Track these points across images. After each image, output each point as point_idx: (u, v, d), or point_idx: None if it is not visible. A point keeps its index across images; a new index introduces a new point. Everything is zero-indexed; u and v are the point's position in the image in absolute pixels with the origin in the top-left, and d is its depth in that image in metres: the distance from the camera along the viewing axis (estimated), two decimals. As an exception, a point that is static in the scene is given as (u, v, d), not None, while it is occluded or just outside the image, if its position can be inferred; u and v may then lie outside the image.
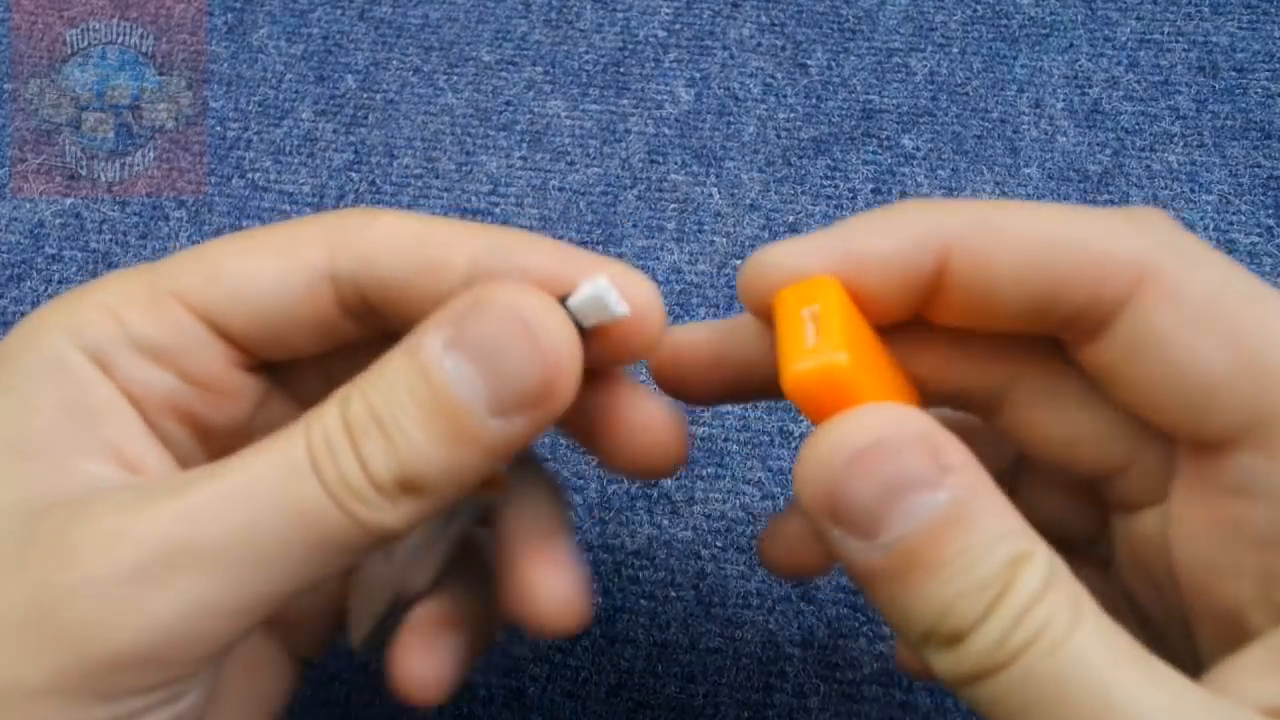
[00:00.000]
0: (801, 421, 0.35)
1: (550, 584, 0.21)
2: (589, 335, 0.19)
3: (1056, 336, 0.19)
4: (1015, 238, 0.18)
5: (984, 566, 0.16)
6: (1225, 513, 0.18)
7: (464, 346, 0.17)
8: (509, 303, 0.18)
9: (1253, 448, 0.17)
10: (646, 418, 0.21)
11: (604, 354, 0.20)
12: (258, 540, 0.17)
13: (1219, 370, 0.17)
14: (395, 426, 0.17)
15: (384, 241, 0.20)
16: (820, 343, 0.17)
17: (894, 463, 0.16)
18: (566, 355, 0.18)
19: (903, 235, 0.18)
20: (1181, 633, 0.19)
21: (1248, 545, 0.18)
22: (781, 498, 0.33)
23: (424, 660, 0.23)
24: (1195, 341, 0.17)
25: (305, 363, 0.22)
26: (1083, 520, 0.22)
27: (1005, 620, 0.15)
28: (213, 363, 0.21)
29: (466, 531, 0.23)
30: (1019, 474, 0.23)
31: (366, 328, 0.21)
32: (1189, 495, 0.19)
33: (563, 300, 0.18)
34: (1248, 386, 0.17)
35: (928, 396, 0.21)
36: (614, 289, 0.18)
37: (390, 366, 0.18)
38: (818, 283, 0.18)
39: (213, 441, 0.21)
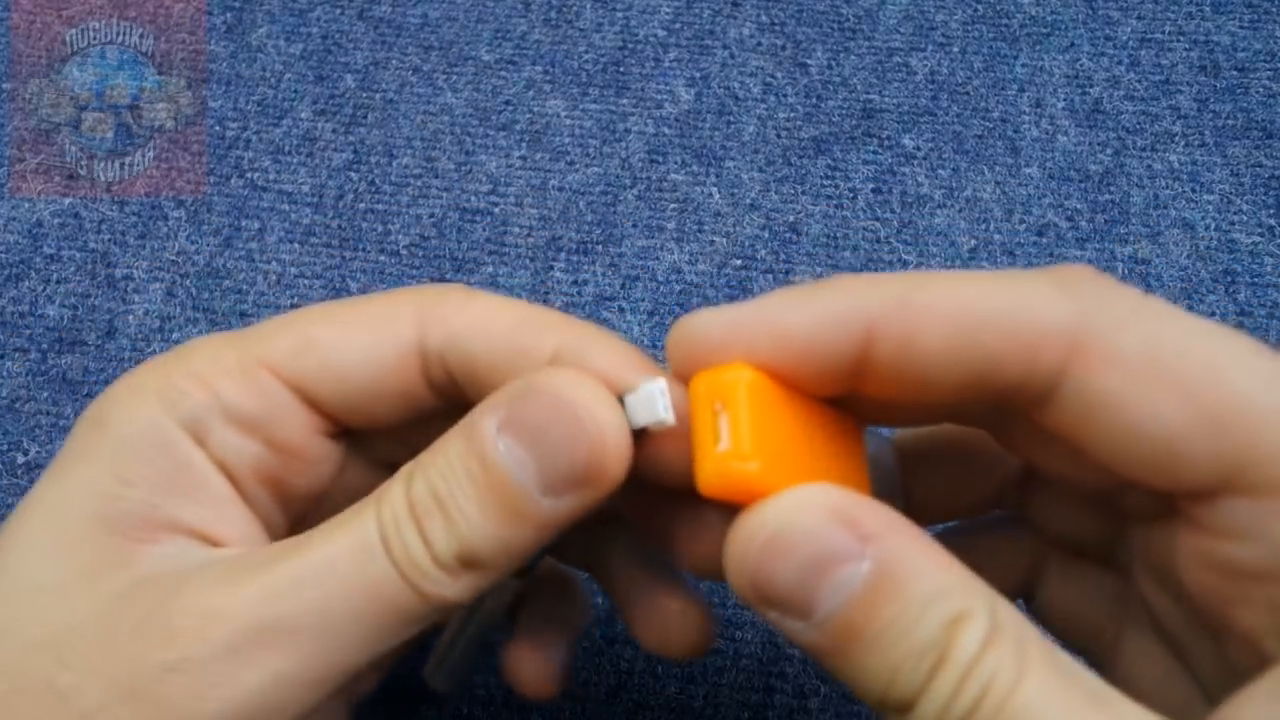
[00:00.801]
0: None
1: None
2: (640, 437, 0.19)
3: (1003, 406, 0.18)
4: (937, 315, 0.17)
5: (919, 632, 0.16)
6: (1222, 551, 0.17)
7: (515, 429, 0.18)
8: (557, 387, 0.18)
9: (1233, 494, 0.17)
10: (674, 612, 0.23)
11: (648, 464, 0.20)
12: (334, 616, 0.18)
13: (1176, 427, 0.17)
14: (454, 506, 0.18)
15: (478, 324, 0.21)
16: (731, 448, 0.17)
17: (809, 543, 0.16)
18: (612, 438, 0.18)
19: (822, 314, 0.18)
20: (1207, 645, 0.19)
21: (1249, 580, 0.17)
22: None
23: (535, 666, 0.24)
24: (1143, 402, 0.17)
25: (384, 428, 0.23)
26: (1098, 526, 0.21)
27: (947, 687, 0.15)
28: (299, 430, 0.21)
29: (537, 563, 0.24)
30: (1030, 480, 0.22)
31: (447, 399, 0.22)
32: (1187, 529, 0.18)
33: (620, 398, 0.19)
34: (1209, 439, 0.16)
35: (931, 413, 0.21)
36: (668, 396, 0.19)
37: (449, 446, 0.19)
38: (731, 371, 0.18)
39: (293, 504, 0.22)
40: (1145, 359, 0.17)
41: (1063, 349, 0.17)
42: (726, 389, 0.18)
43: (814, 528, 0.16)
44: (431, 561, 0.18)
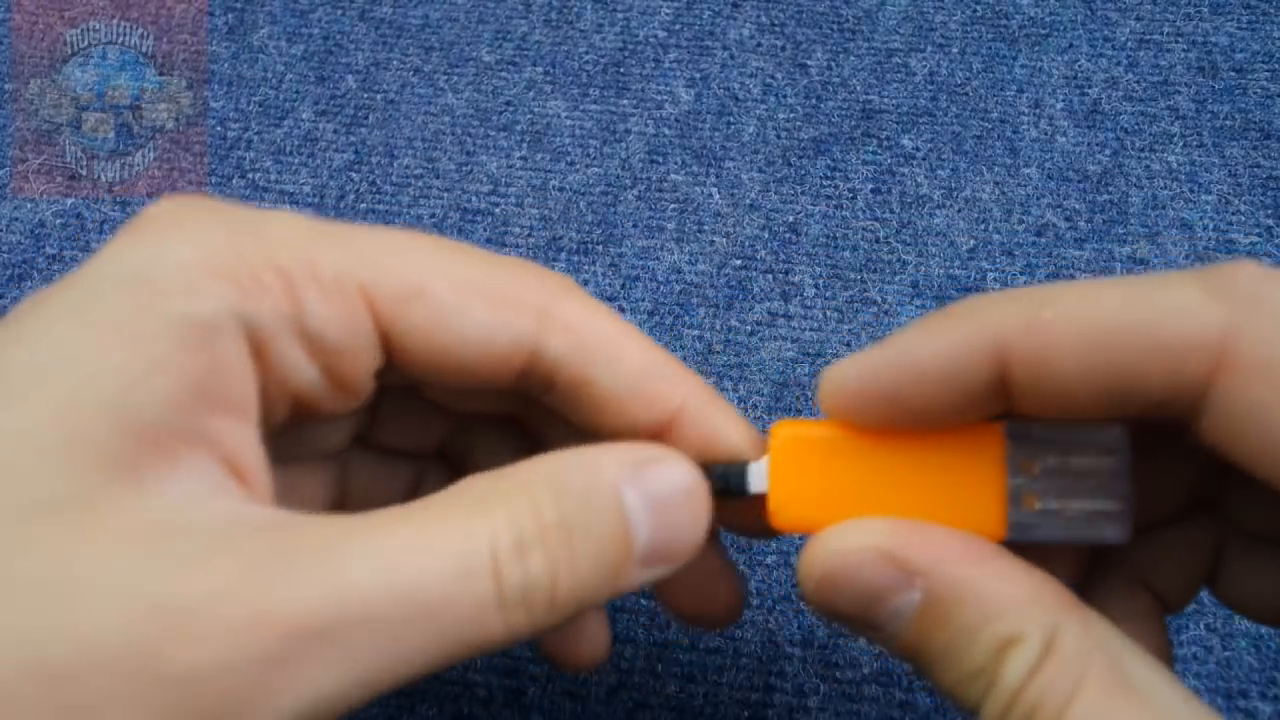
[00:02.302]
0: (801, 421, 0.35)
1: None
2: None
3: (1160, 417, 0.18)
4: (1072, 332, 0.17)
5: (971, 658, 0.17)
6: None
7: (644, 492, 0.18)
8: (688, 475, 0.19)
9: None
10: (707, 579, 0.23)
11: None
12: (406, 638, 0.15)
13: None
14: (580, 542, 0.17)
15: (607, 350, 0.20)
16: (768, 499, 0.20)
17: (857, 580, 0.18)
18: (703, 537, 0.19)
19: (952, 344, 0.18)
20: None
21: None
22: (781, 498, 0.33)
23: (578, 640, 0.23)
24: None
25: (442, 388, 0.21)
26: None
27: (997, 708, 0.16)
28: (364, 369, 0.19)
29: None
30: (1226, 473, 0.20)
31: (522, 390, 0.21)
32: None
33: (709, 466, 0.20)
34: None
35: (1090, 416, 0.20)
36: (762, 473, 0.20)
37: (577, 477, 0.18)
38: (778, 429, 0.20)
39: (301, 429, 0.20)
40: None
41: (1209, 357, 0.16)
42: (791, 436, 0.20)
43: (860, 566, 0.18)
44: (543, 597, 0.17)
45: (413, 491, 0.25)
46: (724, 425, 0.21)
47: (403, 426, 0.24)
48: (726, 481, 0.20)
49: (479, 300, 0.19)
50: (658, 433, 0.21)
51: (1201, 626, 0.30)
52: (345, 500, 0.24)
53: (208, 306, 0.17)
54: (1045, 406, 0.18)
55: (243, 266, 0.17)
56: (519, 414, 0.23)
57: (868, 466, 0.19)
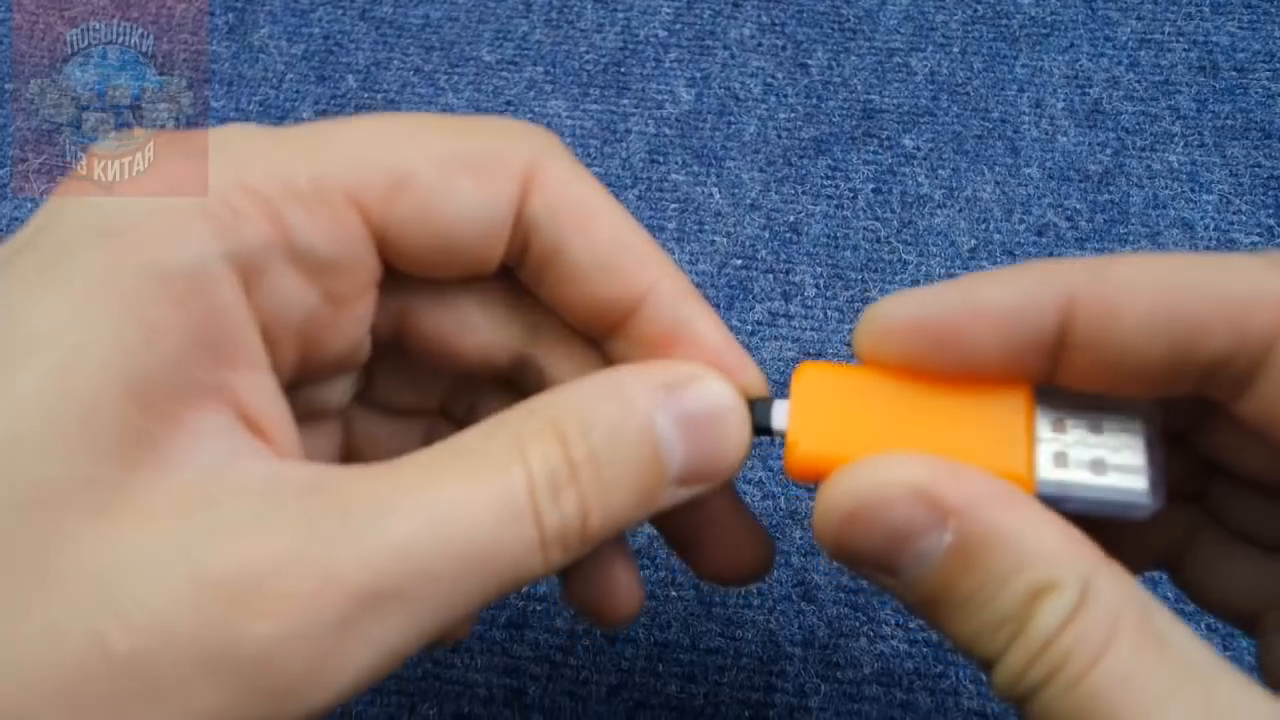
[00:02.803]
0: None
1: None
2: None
3: (1203, 395, 0.18)
4: (1142, 285, 0.17)
5: (999, 604, 0.16)
6: None
7: (676, 415, 0.18)
8: (723, 393, 0.19)
9: None
10: (739, 537, 0.22)
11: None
12: (463, 581, 0.16)
13: None
14: (611, 474, 0.17)
15: (581, 218, 0.19)
16: (788, 436, 0.19)
17: (887, 516, 0.17)
18: (745, 453, 0.19)
19: (1021, 288, 0.18)
20: None
21: None
22: (782, 497, 0.33)
23: (616, 592, 0.23)
24: None
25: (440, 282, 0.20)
26: None
27: (1022, 656, 0.16)
28: (364, 280, 0.18)
29: None
30: (1213, 474, 0.21)
31: (505, 262, 0.20)
32: None
33: (751, 402, 0.20)
34: None
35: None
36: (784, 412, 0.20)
37: (604, 408, 0.18)
38: (815, 367, 0.19)
39: (309, 363, 0.19)
40: None
41: (1275, 315, 0.16)
42: (814, 374, 0.19)
43: (893, 502, 0.17)
44: (578, 532, 0.17)
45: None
46: (693, 317, 0.20)
47: (401, 384, 0.23)
48: (752, 415, 0.19)
49: (465, 175, 0.18)
50: (624, 314, 0.20)
51: (1203, 625, 0.30)
52: (352, 458, 0.23)
53: (190, 252, 0.15)
54: (1097, 369, 0.18)
55: (213, 197, 0.16)
56: (517, 376, 0.23)
57: (893, 413, 0.19)
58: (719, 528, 0.22)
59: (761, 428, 0.19)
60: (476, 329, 0.21)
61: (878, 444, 0.18)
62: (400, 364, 0.22)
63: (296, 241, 0.17)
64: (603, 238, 0.19)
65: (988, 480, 0.17)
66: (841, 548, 0.17)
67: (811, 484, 0.18)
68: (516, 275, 0.20)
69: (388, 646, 0.15)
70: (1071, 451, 0.18)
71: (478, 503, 0.16)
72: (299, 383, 0.19)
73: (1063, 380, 0.18)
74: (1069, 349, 0.17)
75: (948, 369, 0.18)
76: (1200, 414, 0.19)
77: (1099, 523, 0.18)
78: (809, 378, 0.19)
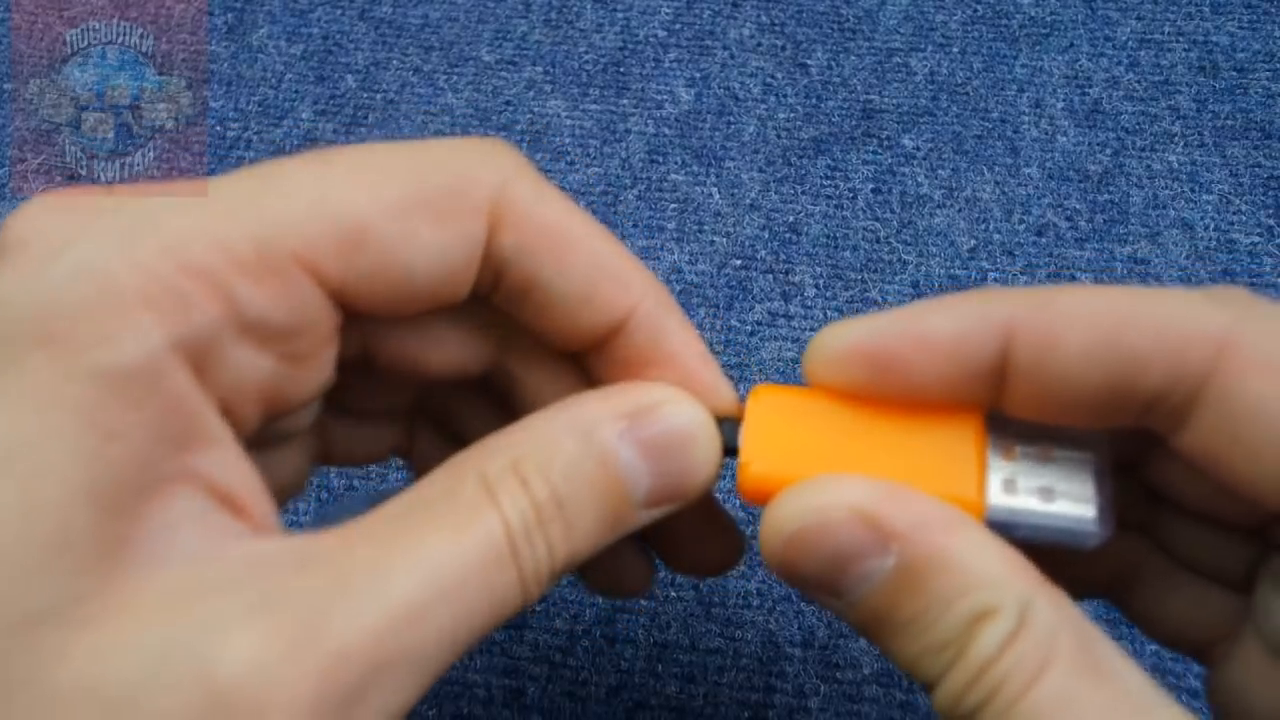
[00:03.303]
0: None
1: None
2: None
3: (1143, 426, 0.18)
4: (1081, 316, 0.17)
5: (941, 628, 0.16)
6: None
7: (640, 443, 0.18)
8: (689, 415, 0.19)
9: None
10: (708, 530, 0.23)
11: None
12: (458, 635, 0.16)
13: None
14: (574, 511, 0.17)
15: (554, 246, 0.19)
16: (740, 456, 0.19)
17: (830, 540, 0.17)
18: (715, 472, 0.19)
19: (963, 316, 0.18)
20: None
21: None
22: (781, 498, 0.33)
23: (620, 575, 0.23)
24: None
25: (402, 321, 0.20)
26: (1233, 554, 0.20)
27: (961, 680, 0.16)
28: (322, 337, 0.18)
29: None
30: (1158, 504, 0.21)
31: (477, 294, 0.19)
32: None
33: (721, 421, 0.20)
34: None
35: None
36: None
37: (563, 446, 0.18)
38: (756, 391, 0.20)
39: (274, 416, 0.18)
40: None
41: (1210, 352, 0.16)
42: (766, 398, 0.19)
43: (836, 524, 0.17)
44: (550, 570, 0.17)
45: (402, 449, 0.24)
46: (669, 336, 0.20)
47: (371, 391, 0.23)
48: (724, 435, 0.20)
49: (423, 221, 0.17)
50: (603, 338, 0.20)
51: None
52: (329, 463, 0.23)
53: (136, 348, 0.15)
54: (1038, 399, 0.18)
55: (155, 282, 0.15)
56: (489, 383, 0.22)
57: (847, 436, 0.19)
58: (689, 521, 0.22)
59: (731, 448, 0.19)
60: (445, 348, 0.21)
61: (830, 466, 0.18)
62: (369, 374, 0.22)
63: (247, 315, 0.16)
64: (579, 265, 0.19)
65: (930, 503, 0.17)
66: (786, 569, 0.17)
67: (762, 505, 0.18)
68: (490, 300, 0.20)
69: (397, 708, 0.15)
70: (1021, 479, 0.18)
71: (467, 553, 0.16)
72: (264, 429, 0.19)
73: (1007, 408, 0.18)
74: (1011, 377, 0.18)
75: (893, 395, 0.19)
76: (1145, 444, 0.20)
77: (1045, 551, 0.18)
78: (764, 400, 0.19)
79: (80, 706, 0.13)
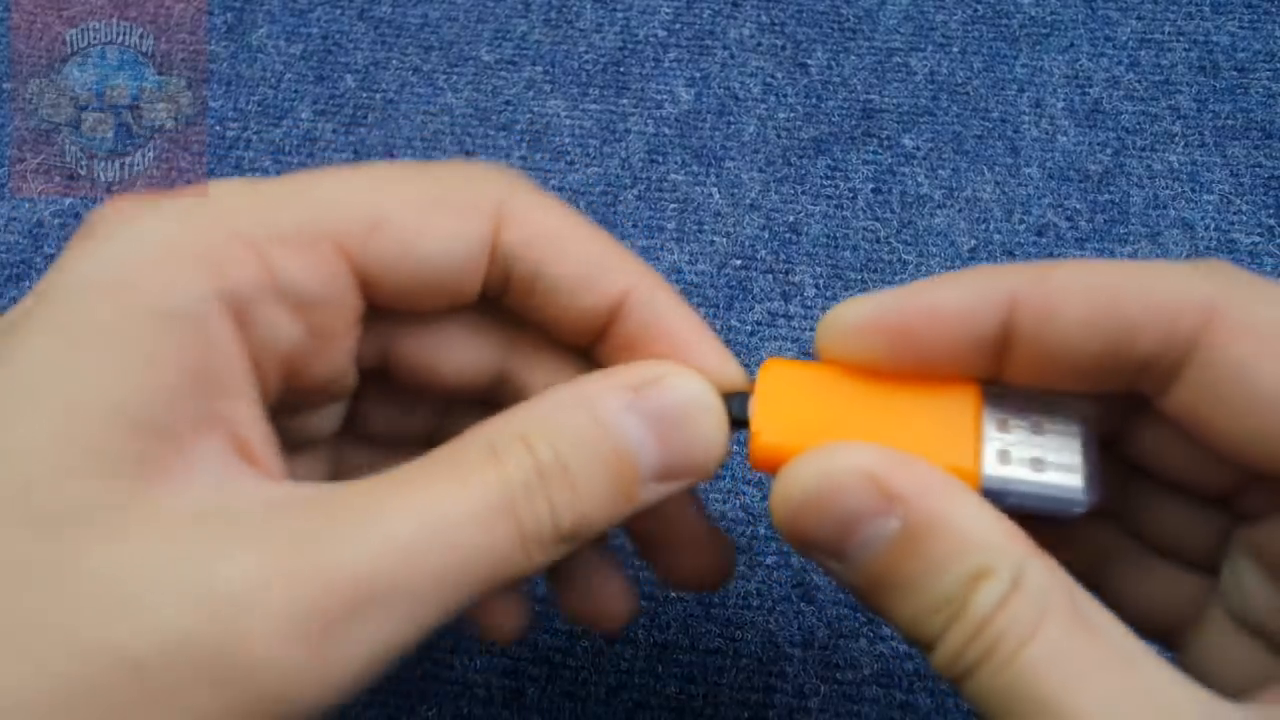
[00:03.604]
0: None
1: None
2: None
3: (1134, 390, 0.19)
4: (1079, 287, 0.18)
5: (939, 587, 0.17)
6: None
7: (644, 415, 0.19)
8: (692, 387, 0.20)
9: None
10: (701, 543, 0.23)
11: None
12: (449, 582, 0.17)
13: None
14: (580, 477, 0.18)
15: (554, 238, 0.21)
16: (751, 425, 0.20)
17: (840, 501, 0.18)
18: (723, 445, 0.20)
19: (969, 290, 0.19)
20: None
21: None
22: (781, 498, 0.33)
23: (606, 600, 0.24)
24: (1277, 370, 0.17)
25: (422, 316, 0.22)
26: (1204, 530, 0.21)
27: (959, 637, 0.17)
28: (347, 314, 0.20)
29: None
30: (1133, 483, 0.22)
31: (488, 294, 0.21)
32: None
33: (728, 395, 0.21)
34: None
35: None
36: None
37: (568, 417, 0.19)
38: (779, 364, 0.21)
39: (294, 392, 0.20)
40: None
41: (1200, 317, 0.18)
42: (774, 372, 0.20)
43: (845, 486, 0.18)
44: (553, 532, 0.18)
45: None
46: (668, 315, 0.21)
47: (388, 414, 0.24)
48: (728, 407, 0.20)
49: (438, 214, 0.20)
50: (605, 321, 0.21)
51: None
52: None
53: (187, 296, 0.17)
54: (1038, 366, 0.19)
55: (207, 246, 0.17)
56: (497, 394, 0.23)
57: (852, 408, 0.20)
58: (682, 534, 0.23)
59: (739, 420, 0.20)
60: (456, 351, 0.22)
61: (836, 436, 0.19)
62: (387, 395, 0.23)
63: (282, 281, 0.18)
64: (576, 254, 0.21)
65: (933, 471, 0.18)
66: (796, 530, 0.18)
67: (772, 474, 0.19)
68: (502, 302, 0.22)
69: (382, 644, 0.16)
70: (1014, 450, 0.20)
71: (463, 503, 0.17)
72: (287, 409, 0.21)
73: (1008, 376, 0.20)
74: (1012, 346, 0.19)
75: (903, 366, 0.20)
76: (1126, 417, 0.21)
77: (1032, 531, 0.19)
78: (773, 373, 0.20)
79: (89, 599, 0.15)
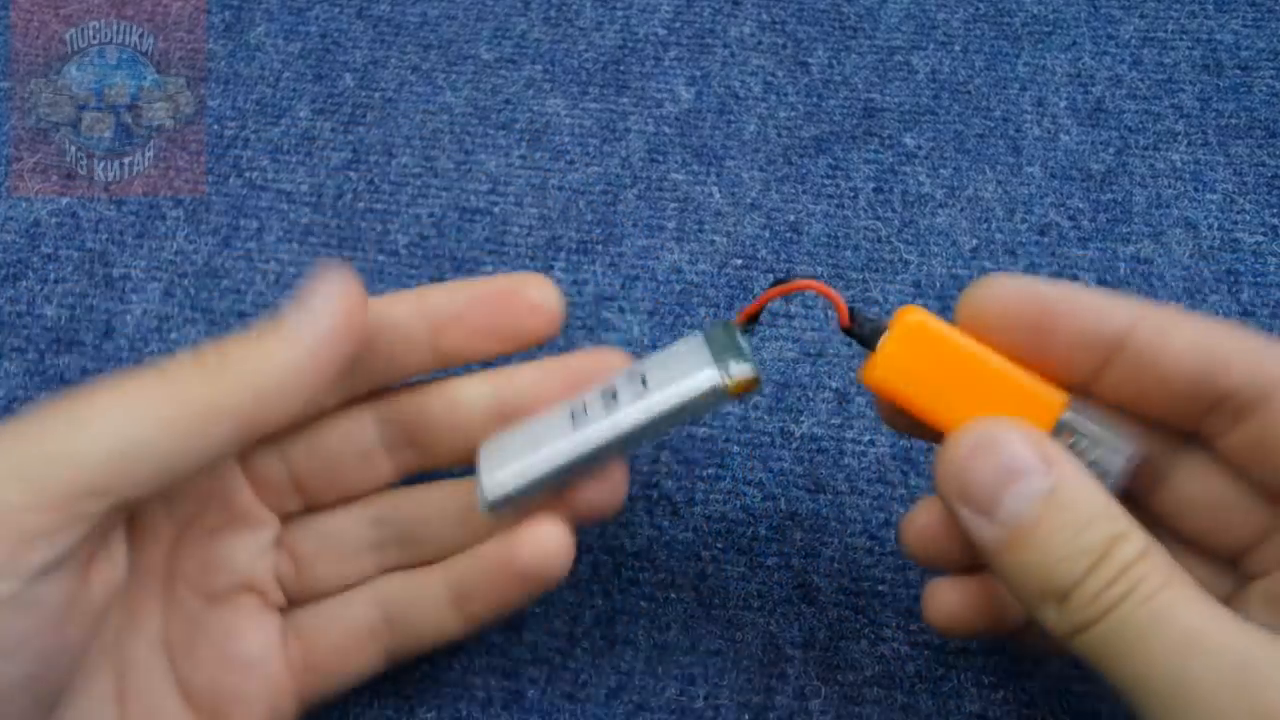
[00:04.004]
0: (802, 423, 0.34)
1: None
2: None
3: (1195, 429, 0.22)
4: (1188, 321, 0.22)
5: (1084, 539, 0.20)
6: None
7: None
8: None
9: None
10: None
11: None
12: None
13: None
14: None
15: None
16: (873, 353, 0.24)
17: (1006, 452, 0.21)
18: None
19: (1104, 298, 0.22)
20: None
21: None
22: (783, 498, 0.33)
23: (557, 534, 0.25)
24: None
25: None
26: (1209, 586, 0.23)
27: (1103, 578, 0.19)
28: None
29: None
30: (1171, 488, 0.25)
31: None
32: None
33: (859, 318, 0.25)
34: None
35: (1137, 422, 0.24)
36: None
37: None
38: (915, 312, 0.24)
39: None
40: None
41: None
42: (893, 319, 0.24)
43: (1012, 442, 0.21)
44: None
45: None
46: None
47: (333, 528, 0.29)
48: (864, 328, 0.24)
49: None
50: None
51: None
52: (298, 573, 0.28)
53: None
54: (1133, 383, 0.22)
55: None
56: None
57: (956, 372, 0.23)
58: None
59: (866, 340, 0.24)
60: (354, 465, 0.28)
61: (932, 391, 0.23)
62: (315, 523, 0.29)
63: (34, 561, 0.21)
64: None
65: (1066, 450, 0.21)
66: (961, 476, 0.21)
67: (872, 392, 0.24)
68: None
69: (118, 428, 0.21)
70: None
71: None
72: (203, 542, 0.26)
73: (1100, 391, 0.23)
74: (1116, 363, 0.22)
75: (1028, 350, 0.23)
76: (1170, 461, 0.24)
77: None
78: (908, 320, 0.23)
79: None
